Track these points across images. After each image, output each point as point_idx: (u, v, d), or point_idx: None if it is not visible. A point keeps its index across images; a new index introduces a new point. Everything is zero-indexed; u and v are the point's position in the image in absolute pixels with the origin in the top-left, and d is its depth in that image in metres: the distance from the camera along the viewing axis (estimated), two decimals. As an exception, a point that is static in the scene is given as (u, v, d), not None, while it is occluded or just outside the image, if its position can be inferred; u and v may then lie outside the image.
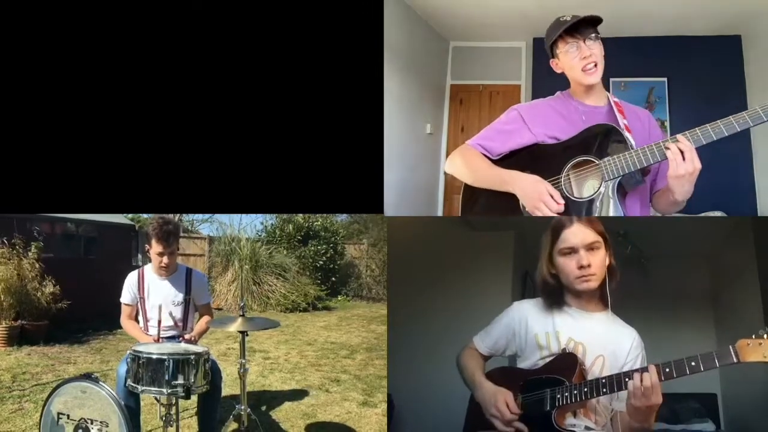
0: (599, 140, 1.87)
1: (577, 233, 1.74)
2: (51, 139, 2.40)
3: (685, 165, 1.67)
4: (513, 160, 2.00)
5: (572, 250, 1.74)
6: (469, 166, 2.04)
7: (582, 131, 1.91)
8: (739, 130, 1.68)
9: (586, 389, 1.67)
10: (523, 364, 1.85)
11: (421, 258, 2.62)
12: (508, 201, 1.94)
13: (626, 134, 1.86)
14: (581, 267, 1.73)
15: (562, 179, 1.89)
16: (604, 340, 1.77)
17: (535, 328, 1.83)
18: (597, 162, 1.85)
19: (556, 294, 1.81)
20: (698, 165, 1.68)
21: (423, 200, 5.28)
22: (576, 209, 1.85)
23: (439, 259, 2.71)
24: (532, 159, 1.96)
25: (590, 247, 1.74)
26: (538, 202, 1.83)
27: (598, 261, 1.74)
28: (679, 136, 1.72)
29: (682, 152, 1.68)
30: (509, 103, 6.01)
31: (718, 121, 1.70)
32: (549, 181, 1.87)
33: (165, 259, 2.50)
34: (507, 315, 1.92)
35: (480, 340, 1.95)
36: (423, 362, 2.41)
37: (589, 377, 1.74)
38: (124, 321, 2.62)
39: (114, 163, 2.43)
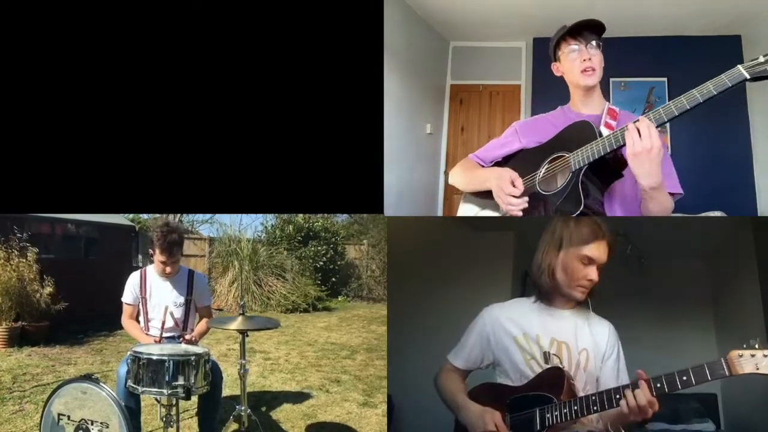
0: (573, 136, 1.90)
1: (602, 250, 1.78)
2: (50, 138, 2.40)
3: (642, 142, 1.63)
4: (501, 165, 2.11)
5: (590, 262, 1.77)
6: (464, 173, 2.18)
7: (560, 131, 1.96)
8: (702, 101, 1.63)
9: (576, 408, 1.65)
10: (504, 372, 1.83)
11: (421, 258, 2.61)
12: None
13: (602, 129, 1.87)
14: (589, 280, 1.77)
15: (538, 176, 1.95)
16: (585, 333, 1.79)
17: (512, 331, 1.83)
18: (567, 155, 1.88)
19: (547, 288, 1.84)
20: (657, 143, 1.63)
21: (423, 200, 5.28)
22: (549, 201, 1.89)
23: (439, 259, 2.71)
24: (516, 162, 2.06)
25: (600, 267, 1.78)
26: (498, 189, 1.91)
27: (597, 279, 1.79)
28: (640, 117, 1.71)
29: (639, 130, 1.65)
30: (509, 103, 6.01)
31: (681, 96, 1.67)
32: (526, 179, 1.93)
33: (168, 268, 2.52)
34: (478, 323, 1.91)
35: (454, 355, 1.93)
36: (423, 362, 2.41)
37: (576, 370, 1.73)
38: (125, 321, 2.62)
39: (114, 163, 2.43)
